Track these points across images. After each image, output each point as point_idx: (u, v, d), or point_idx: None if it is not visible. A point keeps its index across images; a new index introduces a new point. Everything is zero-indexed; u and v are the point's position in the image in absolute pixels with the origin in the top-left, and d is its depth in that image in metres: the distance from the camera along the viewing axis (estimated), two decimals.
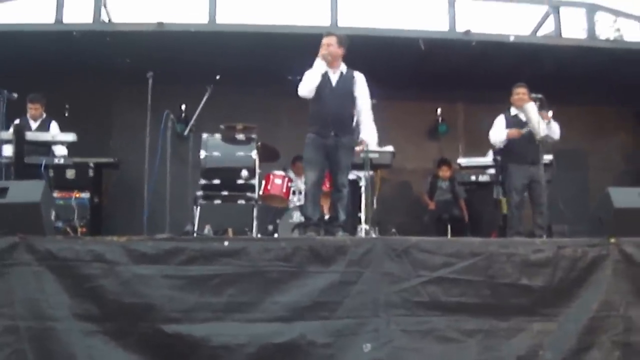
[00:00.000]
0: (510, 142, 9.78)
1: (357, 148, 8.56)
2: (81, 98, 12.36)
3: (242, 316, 6.65)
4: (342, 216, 8.54)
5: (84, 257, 6.60)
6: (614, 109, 13.62)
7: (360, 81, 8.62)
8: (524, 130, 9.51)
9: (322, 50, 8.44)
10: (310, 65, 8.51)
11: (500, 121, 9.97)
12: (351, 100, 8.58)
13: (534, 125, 9.23)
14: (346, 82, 8.57)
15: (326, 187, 9.07)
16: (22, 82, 9.80)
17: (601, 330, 6.88)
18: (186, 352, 6.53)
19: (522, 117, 9.61)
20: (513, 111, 9.82)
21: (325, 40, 8.51)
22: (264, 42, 11.29)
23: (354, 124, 8.74)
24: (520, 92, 9.68)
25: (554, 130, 9.54)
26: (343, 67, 8.62)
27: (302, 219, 9.36)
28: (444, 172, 12.43)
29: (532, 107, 9.29)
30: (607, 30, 21.30)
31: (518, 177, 9.57)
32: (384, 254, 6.89)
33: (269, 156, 10.05)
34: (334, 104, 8.43)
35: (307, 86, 8.45)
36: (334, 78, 8.56)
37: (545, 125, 9.20)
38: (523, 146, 9.49)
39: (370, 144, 8.81)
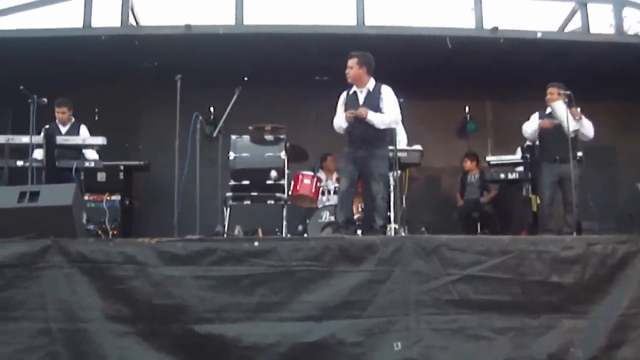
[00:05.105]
0: (541, 139, 9.85)
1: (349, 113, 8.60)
2: (110, 102, 12.47)
3: (272, 316, 6.68)
4: (380, 222, 8.52)
5: (116, 259, 6.65)
6: None
7: (385, 94, 8.64)
8: (556, 121, 9.48)
9: (348, 114, 8.54)
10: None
11: (534, 116, 10.01)
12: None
13: (562, 122, 9.25)
14: (373, 99, 8.62)
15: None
16: (52, 87, 9.87)
17: (632, 327, 6.82)
18: (217, 352, 6.57)
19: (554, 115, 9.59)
20: (547, 110, 9.78)
21: (348, 64, 8.66)
22: (291, 43, 11.33)
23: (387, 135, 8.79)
24: (549, 91, 9.66)
25: (587, 128, 9.57)
26: (371, 84, 8.69)
27: (332, 219, 9.45)
28: (468, 165, 12.48)
29: (559, 105, 9.31)
30: (635, 25, 21.14)
31: (548, 174, 9.58)
32: (413, 252, 6.88)
33: (297, 157, 10.06)
34: (363, 122, 8.47)
35: (337, 130, 8.87)
36: (361, 97, 8.70)
37: (574, 122, 9.18)
38: (553, 143, 9.50)
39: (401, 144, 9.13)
